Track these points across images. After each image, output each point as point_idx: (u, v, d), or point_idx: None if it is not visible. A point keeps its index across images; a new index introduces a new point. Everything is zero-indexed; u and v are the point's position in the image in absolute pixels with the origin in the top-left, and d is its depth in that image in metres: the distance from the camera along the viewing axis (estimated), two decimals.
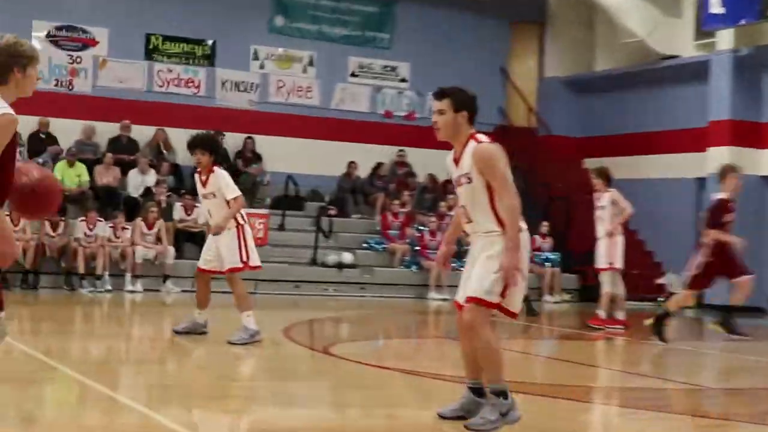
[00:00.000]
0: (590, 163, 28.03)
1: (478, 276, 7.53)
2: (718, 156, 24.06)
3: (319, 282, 22.47)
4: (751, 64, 24.23)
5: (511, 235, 7.42)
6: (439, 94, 8.06)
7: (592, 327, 16.64)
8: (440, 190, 25.93)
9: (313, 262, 22.83)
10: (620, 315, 17.00)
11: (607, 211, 16.82)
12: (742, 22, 23.33)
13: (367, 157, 26.25)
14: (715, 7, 23.40)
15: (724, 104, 24.16)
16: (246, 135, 25.15)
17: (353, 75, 27.43)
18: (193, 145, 12.69)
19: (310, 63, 27.04)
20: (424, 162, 26.01)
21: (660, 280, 24.93)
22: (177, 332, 12.93)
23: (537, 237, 23.89)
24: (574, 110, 28.91)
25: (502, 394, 7.56)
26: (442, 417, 7.98)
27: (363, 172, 26.08)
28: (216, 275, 12.92)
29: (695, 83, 25.08)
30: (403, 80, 27.91)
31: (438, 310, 20.35)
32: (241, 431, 7.55)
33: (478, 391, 7.92)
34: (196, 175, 12.84)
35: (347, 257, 23.09)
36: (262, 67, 26.48)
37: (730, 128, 24.00)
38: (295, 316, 16.62)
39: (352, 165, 25.79)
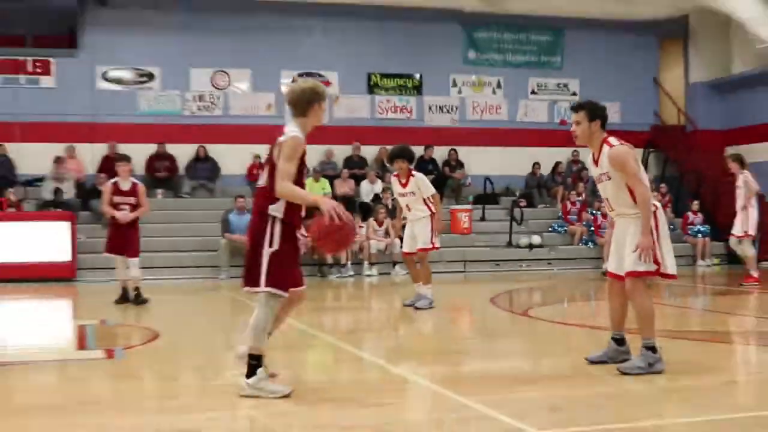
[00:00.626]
0: (734, 150, 27.48)
1: (629, 253, 7.53)
2: None
3: (514, 260, 22.50)
4: None
5: (645, 220, 7.40)
6: (576, 108, 7.97)
7: (745, 285, 16.33)
8: None
9: (509, 244, 22.85)
10: (754, 273, 16.62)
11: (742, 189, 16.55)
12: None
13: (548, 158, 26.18)
14: None
15: None
16: (450, 147, 25.32)
17: (533, 92, 27.32)
18: (394, 156, 13.08)
19: (498, 85, 27.03)
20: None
21: None
22: (406, 305, 13.13)
23: (689, 213, 23.55)
24: (717, 108, 28.23)
25: (652, 348, 7.54)
26: (590, 362, 7.98)
27: (545, 170, 26.07)
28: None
29: None
30: (573, 94, 27.61)
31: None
32: (460, 378, 7.64)
33: (619, 341, 7.98)
34: (394, 179, 13.20)
35: (536, 239, 23.03)
36: (459, 92, 26.55)
37: None
38: (497, 288, 16.67)
39: (536, 165, 25.74)
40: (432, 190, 13.13)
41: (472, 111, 26.62)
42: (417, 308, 12.74)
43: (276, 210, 6.58)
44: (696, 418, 6.02)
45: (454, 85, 26.53)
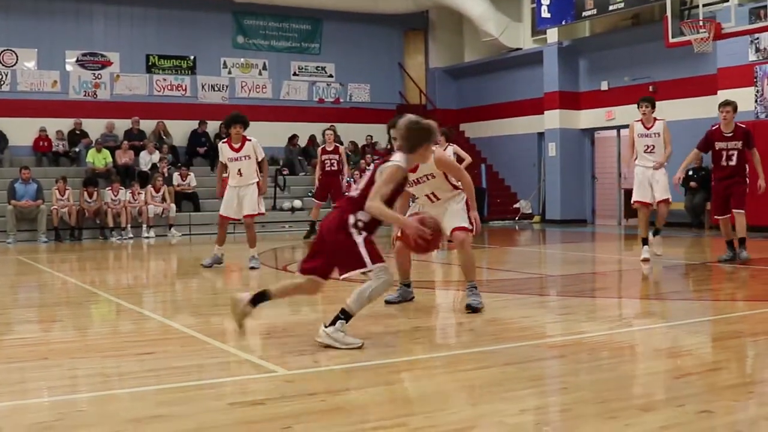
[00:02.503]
0: (466, 127, 28.55)
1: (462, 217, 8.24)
2: (550, 117, 24.65)
3: (278, 222, 22.76)
4: (570, 52, 24.68)
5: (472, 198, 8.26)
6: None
7: None
8: (361, 153, 26.32)
9: (274, 208, 23.09)
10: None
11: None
12: (563, 22, 23.70)
13: (307, 131, 26.60)
14: (545, 13, 23.73)
15: (553, 81, 24.54)
16: (221, 121, 25.28)
17: (295, 74, 27.58)
18: (231, 121, 12.63)
19: (264, 67, 27.16)
20: (347, 133, 26.46)
21: (516, 205, 25.58)
22: (204, 266, 12.74)
23: None
24: (452, 91, 29.29)
25: (475, 287, 8.21)
26: (387, 302, 8.59)
27: (302, 142, 26.43)
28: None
29: (533, 67, 25.41)
30: (330, 76, 28.12)
31: None
32: (230, 327, 7.73)
33: (408, 285, 8.76)
34: (224, 145, 12.63)
35: (297, 203, 23.38)
36: (230, 72, 26.56)
37: (558, 97, 24.43)
38: (263, 247, 16.81)
39: (294, 137, 26.06)
40: (264, 154, 12.86)
41: (241, 89, 26.67)
42: (251, 268, 12.47)
43: (362, 215, 6.45)
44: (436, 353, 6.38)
45: (225, 66, 26.47)
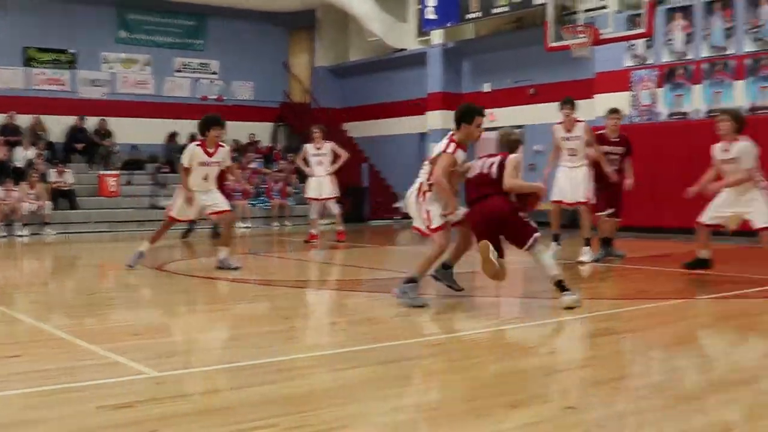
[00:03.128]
0: (350, 126, 28.60)
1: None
2: (433, 118, 24.89)
3: (157, 220, 22.30)
4: (454, 53, 24.98)
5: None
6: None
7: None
8: (242, 151, 26.14)
9: (152, 206, 22.80)
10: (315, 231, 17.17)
11: (329, 156, 17.01)
12: (448, 24, 23.97)
13: (190, 129, 26.25)
14: (430, 14, 23.96)
15: (436, 81, 24.85)
16: (100, 117, 24.90)
17: (178, 71, 27.28)
18: (212, 123, 11.66)
19: (147, 63, 26.78)
20: (229, 131, 26.07)
21: (396, 204, 25.76)
22: (128, 266, 11.94)
23: None
24: (336, 89, 29.34)
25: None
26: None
27: (182, 140, 26.05)
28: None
29: (418, 67, 25.64)
30: (214, 73, 27.89)
31: (243, 235, 20.52)
32: (94, 329, 7.59)
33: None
34: (198, 148, 11.63)
35: None
36: (111, 68, 26.12)
37: (441, 98, 24.72)
38: (139, 246, 16.58)
39: (173, 135, 25.74)
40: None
41: (122, 85, 26.24)
42: (231, 268, 11.72)
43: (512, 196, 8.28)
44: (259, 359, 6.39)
45: (106, 61, 26.01)
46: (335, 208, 17.25)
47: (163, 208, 22.65)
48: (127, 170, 24.05)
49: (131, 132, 25.25)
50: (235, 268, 11.70)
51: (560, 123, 12.70)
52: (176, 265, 13.48)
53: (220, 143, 11.81)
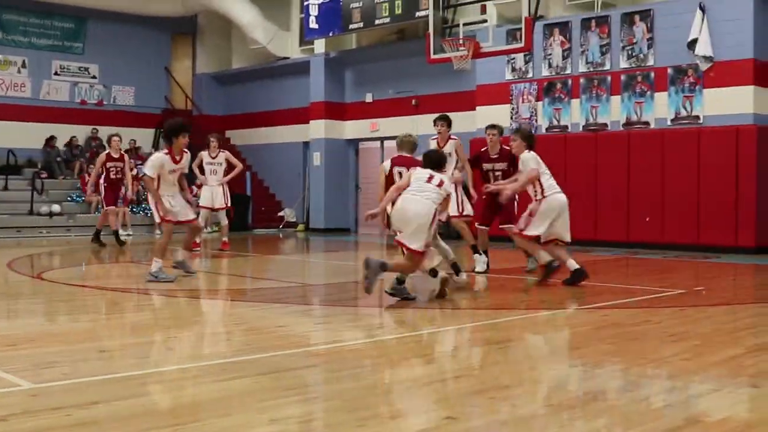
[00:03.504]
0: (232, 134, 28.41)
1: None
2: (316, 127, 24.93)
3: (35, 227, 21.94)
4: (337, 63, 25.06)
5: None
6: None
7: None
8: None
9: (30, 212, 22.25)
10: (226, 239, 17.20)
11: (223, 166, 16.90)
12: (331, 34, 24.05)
13: (67, 133, 25.81)
14: (313, 23, 24.03)
15: (319, 91, 24.94)
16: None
17: (56, 74, 26.71)
18: (183, 130, 11.32)
19: (23, 65, 26.13)
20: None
21: (280, 213, 25.71)
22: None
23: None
24: (219, 97, 29.16)
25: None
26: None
27: (60, 144, 25.60)
28: None
29: (301, 76, 25.68)
30: (94, 77, 27.37)
31: (124, 243, 20.21)
32: None
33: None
34: (167, 157, 11.29)
35: (56, 208, 22.61)
36: None
37: (324, 107, 24.79)
38: (17, 253, 16.22)
39: (52, 139, 25.24)
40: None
41: None
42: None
43: None
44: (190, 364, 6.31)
45: None
46: (224, 219, 17.14)
47: (41, 215, 22.29)
48: (3, 175, 23.35)
49: (7, 136, 24.58)
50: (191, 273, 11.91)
51: (434, 138, 12.81)
52: (56, 273, 13.15)
53: (185, 150, 11.52)
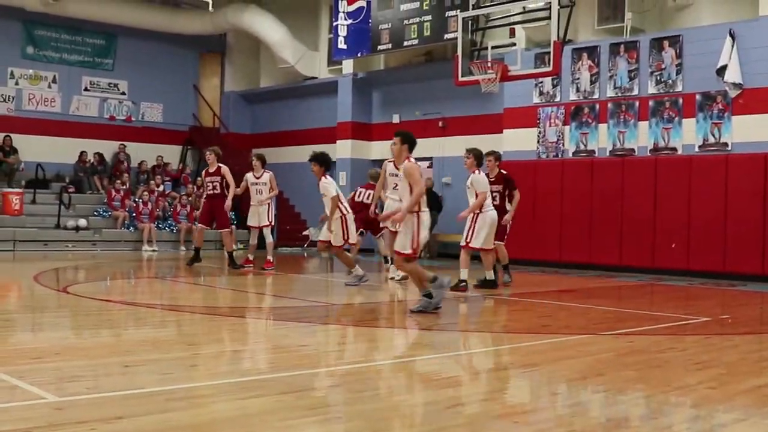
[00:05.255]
0: (258, 152, 28.50)
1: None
2: (343, 146, 24.99)
3: (61, 241, 22.08)
4: (365, 83, 25.14)
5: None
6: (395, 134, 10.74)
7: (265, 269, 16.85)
8: (150, 173, 25.96)
9: (57, 226, 22.39)
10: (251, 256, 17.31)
11: (267, 186, 17.06)
12: (359, 54, 24.14)
13: (95, 149, 25.99)
14: (341, 44, 24.10)
15: (346, 111, 24.99)
16: (5, 134, 24.40)
17: (86, 89, 26.92)
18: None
19: (54, 80, 26.36)
20: (137, 152, 26.18)
21: (305, 232, 25.72)
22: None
23: None
24: (246, 115, 29.29)
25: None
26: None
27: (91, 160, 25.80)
28: None
29: (328, 96, 25.76)
30: (123, 93, 27.58)
31: (149, 259, 20.33)
32: (1, 351, 7.42)
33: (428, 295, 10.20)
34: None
35: (82, 222, 22.75)
36: (17, 83, 25.63)
37: (351, 128, 24.85)
38: (44, 266, 16.31)
39: (83, 154, 25.46)
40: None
41: (28, 101, 25.78)
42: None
43: None
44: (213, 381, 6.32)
45: (12, 76, 25.51)
46: (269, 237, 17.42)
47: (68, 229, 22.41)
48: (32, 188, 23.52)
49: (37, 150, 24.80)
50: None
51: (390, 161, 13.25)
52: (81, 287, 13.22)
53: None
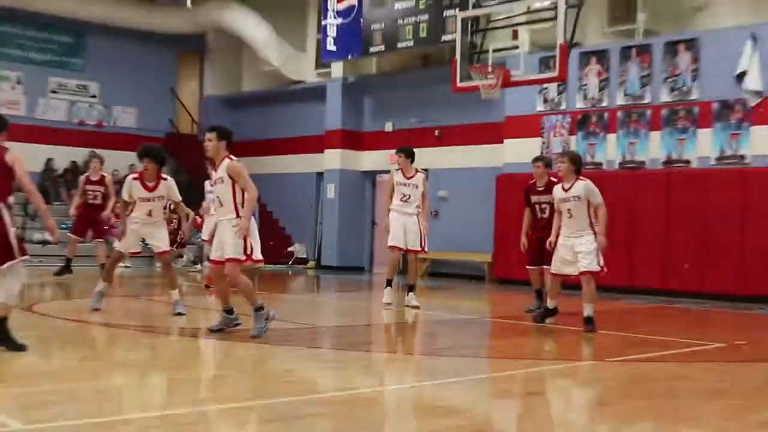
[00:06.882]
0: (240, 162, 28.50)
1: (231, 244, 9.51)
2: (331, 156, 25.01)
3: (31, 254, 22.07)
4: (355, 89, 25.17)
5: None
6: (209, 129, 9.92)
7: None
8: (123, 183, 25.97)
9: (22, 240, 22.39)
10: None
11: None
12: (350, 57, 24.20)
13: (65, 156, 25.99)
14: (331, 45, 24.16)
15: (336, 118, 25.00)
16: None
17: (53, 92, 26.94)
18: (141, 155, 11.88)
19: (18, 81, 26.39)
20: (110, 160, 26.02)
21: (290, 249, 25.74)
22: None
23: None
24: (227, 121, 29.21)
25: (260, 308, 9.58)
26: (210, 330, 9.85)
27: (60, 167, 25.80)
28: None
29: (316, 102, 25.78)
30: (93, 96, 27.61)
31: (121, 275, 20.27)
32: None
33: (229, 311, 9.92)
34: (135, 182, 11.91)
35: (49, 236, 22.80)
36: None
37: (340, 136, 24.87)
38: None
39: (50, 162, 25.48)
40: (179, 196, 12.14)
41: None
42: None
43: None
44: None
45: None
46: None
47: (33, 242, 22.38)
48: None
49: None
50: (179, 314, 11.63)
51: (398, 169, 13.98)
52: (48, 305, 13.22)
53: (163, 176, 11.93)
